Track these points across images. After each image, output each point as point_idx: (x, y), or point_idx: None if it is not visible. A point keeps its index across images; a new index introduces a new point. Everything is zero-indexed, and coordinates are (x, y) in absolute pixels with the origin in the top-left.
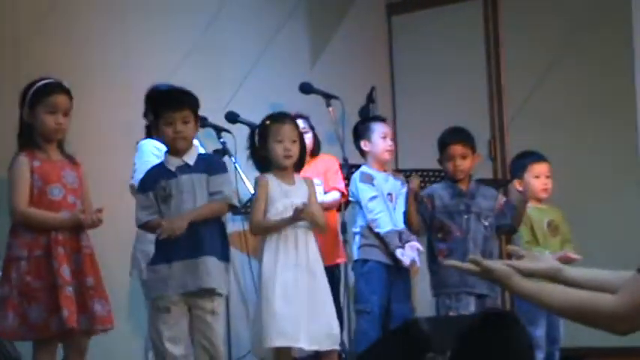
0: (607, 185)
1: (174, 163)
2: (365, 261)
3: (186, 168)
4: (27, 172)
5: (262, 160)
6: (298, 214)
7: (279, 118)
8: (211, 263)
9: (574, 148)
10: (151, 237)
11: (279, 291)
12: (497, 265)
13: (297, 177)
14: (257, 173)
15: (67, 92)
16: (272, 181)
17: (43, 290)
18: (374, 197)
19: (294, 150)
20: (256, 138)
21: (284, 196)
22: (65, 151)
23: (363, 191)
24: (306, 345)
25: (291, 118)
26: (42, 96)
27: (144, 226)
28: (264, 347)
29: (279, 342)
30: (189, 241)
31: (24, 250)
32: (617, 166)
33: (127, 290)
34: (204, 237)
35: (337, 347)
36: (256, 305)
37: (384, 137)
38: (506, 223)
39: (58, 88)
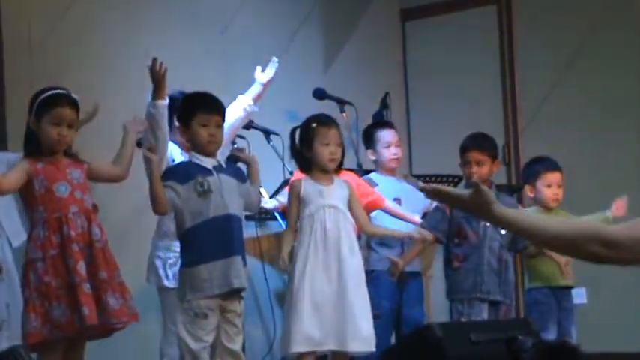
0: (623, 190)
1: (208, 162)
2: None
3: (220, 168)
4: (23, 171)
5: (305, 160)
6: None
7: (326, 121)
8: (241, 262)
9: (589, 153)
10: (167, 243)
11: (308, 297)
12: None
13: (337, 179)
14: (268, 178)
15: (73, 104)
16: (307, 182)
17: (63, 288)
18: None
19: (339, 154)
20: (296, 138)
21: (318, 197)
22: (71, 154)
23: None
24: (334, 346)
25: (335, 122)
26: (47, 107)
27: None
28: (289, 352)
29: (302, 347)
30: (225, 239)
31: (39, 251)
32: (633, 170)
33: (139, 295)
34: (237, 236)
35: (371, 349)
36: (285, 310)
37: (388, 146)
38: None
39: (64, 99)
